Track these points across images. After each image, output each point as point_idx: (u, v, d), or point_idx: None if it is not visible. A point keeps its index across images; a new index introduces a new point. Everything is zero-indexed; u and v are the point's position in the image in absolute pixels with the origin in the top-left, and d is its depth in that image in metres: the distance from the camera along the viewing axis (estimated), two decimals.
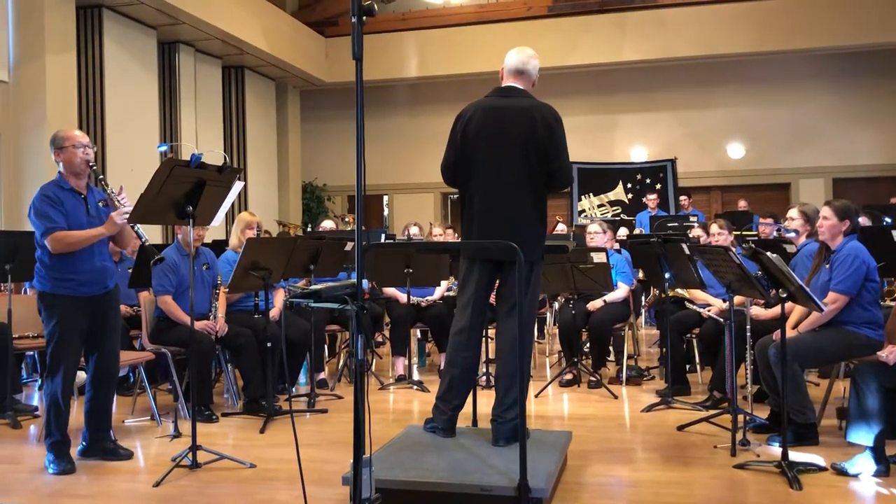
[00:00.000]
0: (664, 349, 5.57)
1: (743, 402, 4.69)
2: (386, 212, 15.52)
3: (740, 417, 4.19)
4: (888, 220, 7.16)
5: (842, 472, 3.59)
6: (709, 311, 5.33)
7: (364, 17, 2.42)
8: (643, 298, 7.84)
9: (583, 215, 13.00)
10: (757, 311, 4.76)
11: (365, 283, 2.54)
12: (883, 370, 3.62)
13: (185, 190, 3.78)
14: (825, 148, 13.31)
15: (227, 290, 5.11)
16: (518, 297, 3.38)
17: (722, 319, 5.09)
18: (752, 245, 3.87)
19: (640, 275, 6.72)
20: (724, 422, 4.34)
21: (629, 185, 13.26)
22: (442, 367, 5.00)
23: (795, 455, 3.76)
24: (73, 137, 3.88)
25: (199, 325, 4.80)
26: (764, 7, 12.07)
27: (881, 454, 3.58)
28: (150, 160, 9.63)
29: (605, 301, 5.92)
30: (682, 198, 12.45)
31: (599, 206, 13.30)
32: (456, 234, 7.38)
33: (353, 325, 2.51)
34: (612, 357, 6.49)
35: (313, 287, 2.80)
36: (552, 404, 5.37)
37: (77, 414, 4.55)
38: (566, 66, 12.58)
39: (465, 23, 13.25)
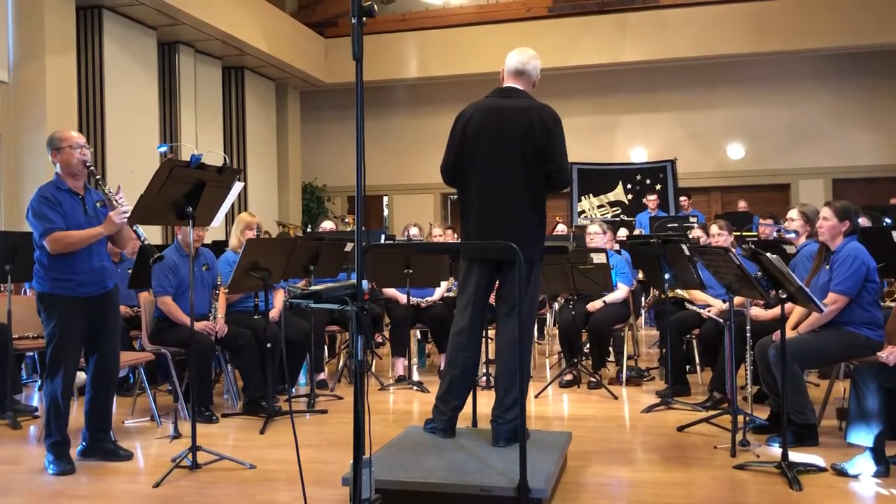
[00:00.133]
0: (664, 350, 5.57)
1: (743, 402, 4.69)
2: (386, 212, 15.52)
3: (740, 418, 4.19)
4: (888, 220, 7.15)
5: (842, 473, 3.59)
6: (709, 311, 5.33)
7: (364, 18, 2.42)
8: (643, 299, 7.84)
9: (583, 216, 13.00)
10: (757, 312, 4.76)
11: (365, 283, 2.54)
12: (883, 371, 3.62)
13: (184, 190, 3.78)
14: (825, 148, 13.31)
15: (226, 290, 5.11)
16: (518, 297, 3.38)
17: (722, 320, 5.09)
18: (752, 246, 3.87)
19: (640, 275, 6.72)
20: (724, 422, 4.34)
21: (629, 186, 13.26)
22: (442, 368, 5.01)
23: (795, 456, 3.75)
24: (70, 138, 3.88)
25: (198, 325, 4.80)
26: (764, 8, 12.08)
27: (881, 455, 3.58)
28: (149, 161, 9.63)
29: (604, 302, 5.93)
30: (681, 198, 12.44)
31: (599, 206, 13.30)
32: (456, 235, 7.38)
33: (352, 325, 2.51)
34: (611, 358, 6.48)
35: (313, 288, 2.80)
36: (552, 405, 5.37)
37: (77, 414, 4.55)
38: (566, 67, 12.58)
39: (465, 23, 13.25)
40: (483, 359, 5.49)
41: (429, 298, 6.34)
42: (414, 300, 6.11)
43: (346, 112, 14.50)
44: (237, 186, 4.42)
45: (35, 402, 5.44)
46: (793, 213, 4.91)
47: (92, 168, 3.90)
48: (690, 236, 6.68)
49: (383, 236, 8.46)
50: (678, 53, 12.47)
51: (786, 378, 3.75)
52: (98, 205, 3.98)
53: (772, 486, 3.48)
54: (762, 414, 4.50)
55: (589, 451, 4.09)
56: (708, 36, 12.26)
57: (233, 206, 7.52)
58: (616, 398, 5.46)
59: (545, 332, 7.72)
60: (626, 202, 13.18)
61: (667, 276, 5.22)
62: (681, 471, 3.76)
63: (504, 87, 3.79)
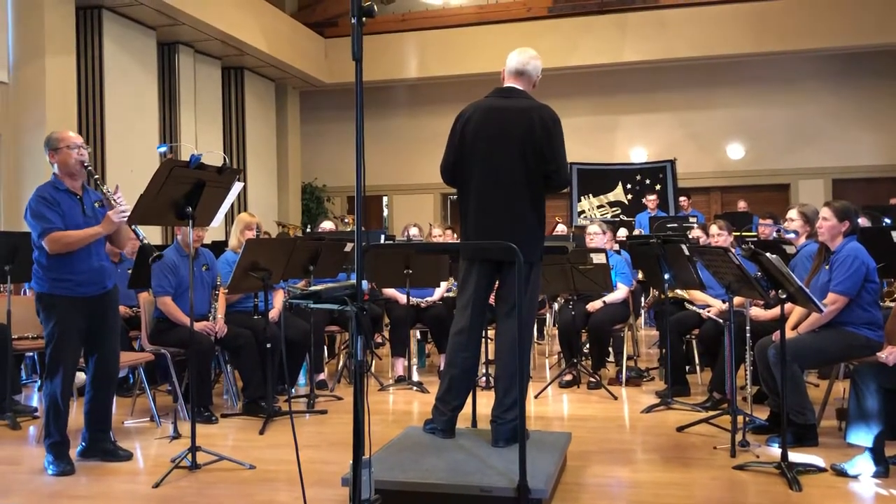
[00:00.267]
0: (664, 350, 5.57)
1: (742, 403, 4.69)
2: (385, 213, 15.52)
3: (740, 418, 4.19)
4: (888, 220, 7.15)
5: (841, 473, 3.59)
6: (708, 311, 5.33)
7: (364, 18, 2.42)
8: (643, 299, 7.84)
9: (582, 216, 12.99)
10: (756, 312, 4.76)
11: (364, 284, 2.53)
12: (882, 371, 3.62)
13: (184, 191, 3.78)
14: (825, 149, 13.31)
15: (226, 290, 5.11)
16: (517, 297, 3.38)
17: (721, 320, 5.09)
18: (752, 246, 3.87)
19: (640, 276, 6.72)
20: (723, 423, 4.34)
21: (629, 186, 13.25)
22: (441, 368, 5.01)
23: (795, 456, 3.75)
24: (68, 138, 3.88)
25: (198, 326, 4.80)
26: (764, 8, 12.08)
27: (880, 455, 3.58)
28: (149, 161, 9.63)
29: (604, 302, 5.93)
30: (681, 198, 12.44)
31: (599, 206, 13.29)
32: (455, 235, 7.38)
33: (352, 326, 2.51)
34: (611, 358, 6.48)
35: (313, 288, 2.80)
36: (552, 405, 5.37)
37: (76, 415, 4.56)
38: (566, 67, 12.57)
39: (465, 24, 13.25)
40: (483, 359, 5.49)
41: (428, 299, 6.34)
42: (414, 300, 6.11)
43: (346, 112, 14.50)
44: (237, 187, 4.42)
45: (34, 403, 5.43)
46: (792, 214, 4.91)
47: (90, 168, 3.91)
48: (690, 236, 6.67)
49: (383, 236, 8.46)
50: (678, 53, 12.47)
51: (785, 378, 3.75)
52: (96, 205, 3.98)
53: (771, 486, 3.48)
54: (762, 414, 4.50)
55: (589, 452, 4.09)
56: (708, 36, 12.26)
57: (232, 206, 7.52)
58: (616, 398, 5.46)
59: (545, 332, 7.72)
60: (626, 202, 13.18)
61: (666, 276, 5.22)
62: (680, 471, 3.76)
63: (504, 87, 3.79)
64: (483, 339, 4.29)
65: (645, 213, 11.11)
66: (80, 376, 4.55)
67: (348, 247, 5.81)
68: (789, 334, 4.07)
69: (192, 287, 4.03)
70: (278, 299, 5.40)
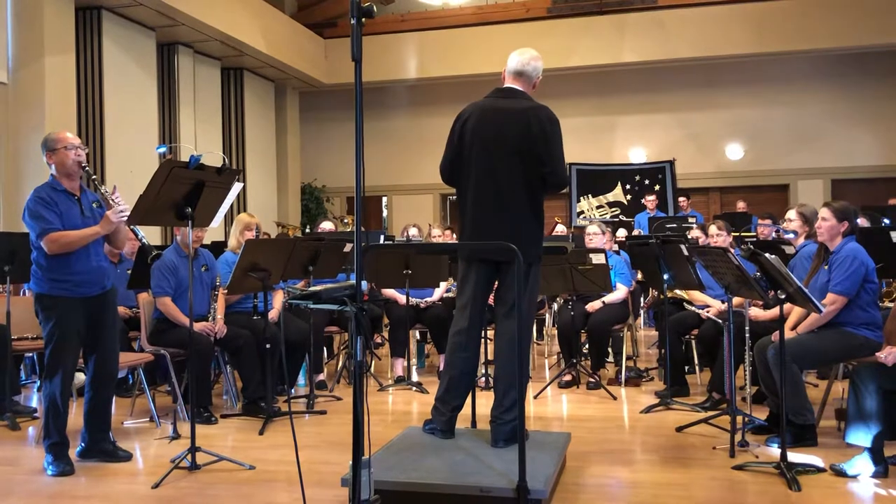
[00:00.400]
0: (663, 350, 5.57)
1: (742, 403, 4.70)
2: (385, 213, 15.52)
3: (739, 419, 4.19)
4: (887, 221, 7.16)
5: (840, 473, 3.59)
6: (707, 312, 5.33)
7: (363, 19, 2.43)
8: (642, 299, 7.84)
9: (581, 216, 13.00)
10: (756, 313, 4.76)
11: (364, 284, 2.54)
12: (881, 371, 3.62)
13: (184, 191, 3.78)
14: (824, 149, 13.32)
15: (226, 291, 5.11)
16: (516, 298, 3.38)
17: (721, 321, 5.09)
18: (751, 246, 3.87)
19: (639, 276, 6.72)
20: (722, 423, 4.34)
21: (628, 187, 13.26)
22: (441, 369, 5.01)
23: (794, 456, 3.76)
24: (65, 139, 3.88)
25: (198, 326, 4.80)
26: (763, 8, 12.09)
27: (880, 455, 3.58)
28: (149, 162, 9.64)
29: (603, 302, 5.93)
30: (680, 199, 12.43)
31: (598, 207, 13.30)
32: (455, 236, 7.38)
33: (352, 326, 2.52)
34: (610, 358, 6.49)
35: (312, 288, 2.81)
36: (551, 405, 5.37)
37: (76, 415, 4.55)
38: (565, 68, 12.59)
39: (465, 24, 13.26)
40: (482, 359, 5.49)
41: (428, 299, 6.34)
42: (413, 301, 6.11)
43: (346, 113, 14.52)
44: (236, 187, 4.43)
45: (34, 403, 5.43)
46: (791, 214, 4.92)
47: (87, 168, 3.91)
48: (689, 237, 6.68)
49: (382, 237, 8.46)
50: (677, 54, 12.48)
51: (784, 378, 3.75)
52: (94, 205, 3.98)
53: (771, 486, 3.49)
54: (761, 414, 4.50)
55: (588, 452, 4.09)
56: (707, 36, 12.27)
57: (232, 206, 7.53)
58: (615, 399, 5.46)
59: (544, 332, 7.72)
60: (625, 203, 13.19)
61: (666, 276, 5.22)
62: (680, 471, 3.77)
63: (503, 88, 3.80)
64: (482, 340, 4.29)
65: (644, 214, 11.12)
66: (80, 377, 4.56)
67: (348, 247, 5.81)
68: (788, 335, 4.08)
69: (192, 288, 4.03)
70: (278, 300, 5.40)
